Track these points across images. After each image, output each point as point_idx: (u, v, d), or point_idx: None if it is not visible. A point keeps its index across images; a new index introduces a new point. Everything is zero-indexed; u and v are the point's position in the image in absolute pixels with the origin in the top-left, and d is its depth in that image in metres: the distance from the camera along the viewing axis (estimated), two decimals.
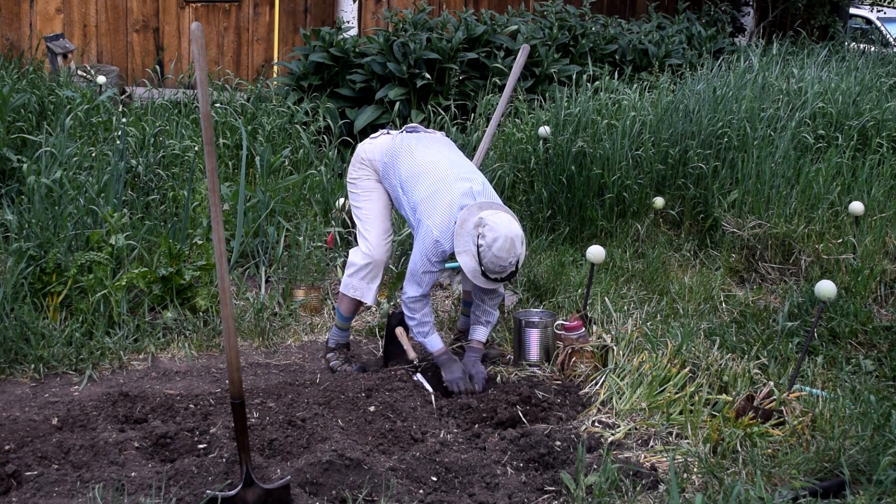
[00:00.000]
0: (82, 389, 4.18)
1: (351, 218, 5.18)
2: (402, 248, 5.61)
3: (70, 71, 8.37)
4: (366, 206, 4.46)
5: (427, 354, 4.40)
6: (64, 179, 5.42)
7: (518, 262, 4.03)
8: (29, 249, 4.72)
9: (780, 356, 4.39)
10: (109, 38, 9.61)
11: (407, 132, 4.46)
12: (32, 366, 4.30)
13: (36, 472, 3.34)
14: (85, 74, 8.36)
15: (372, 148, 4.45)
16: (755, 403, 3.83)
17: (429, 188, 4.17)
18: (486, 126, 6.10)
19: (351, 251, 4.52)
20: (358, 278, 4.49)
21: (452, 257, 4.22)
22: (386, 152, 4.38)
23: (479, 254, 3.98)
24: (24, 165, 5.64)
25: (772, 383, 3.96)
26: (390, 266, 5.47)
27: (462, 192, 4.12)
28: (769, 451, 3.56)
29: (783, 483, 3.34)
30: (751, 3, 11.45)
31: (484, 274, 4.01)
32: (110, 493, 3.20)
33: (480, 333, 4.39)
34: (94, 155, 6.06)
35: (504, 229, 3.97)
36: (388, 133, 4.52)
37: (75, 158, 5.85)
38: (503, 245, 3.96)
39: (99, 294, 4.64)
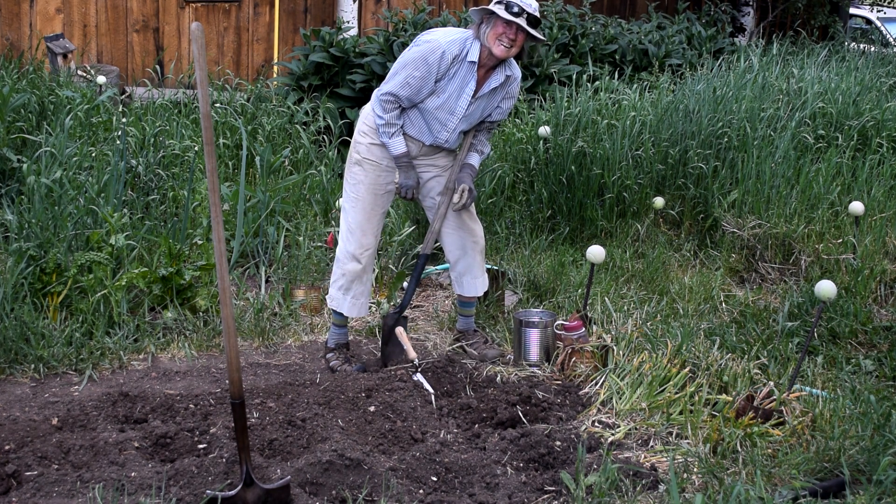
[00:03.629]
0: (82, 389, 4.18)
1: None
2: (402, 247, 5.61)
3: (70, 71, 8.38)
4: (352, 212, 4.44)
5: (426, 355, 4.40)
6: (64, 179, 5.42)
7: (535, 7, 4.20)
8: (29, 249, 4.72)
9: (780, 356, 4.39)
10: (109, 38, 9.61)
11: None
12: (32, 366, 4.30)
13: (36, 472, 3.34)
14: (85, 74, 8.37)
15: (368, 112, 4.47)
16: (755, 403, 3.83)
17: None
18: None
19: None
20: (335, 288, 4.50)
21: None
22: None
23: (497, 2, 4.21)
24: (24, 165, 5.64)
25: (772, 383, 3.96)
26: (390, 266, 5.47)
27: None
28: (769, 451, 3.56)
29: (783, 483, 3.34)
30: (751, 3, 11.45)
31: (507, 7, 4.17)
32: (110, 493, 3.20)
33: (474, 160, 4.52)
34: (94, 155, 6.06)
35: None
36: None
37: (75, 158, 5.85)
38: None
39: (99, 294, 4.63)
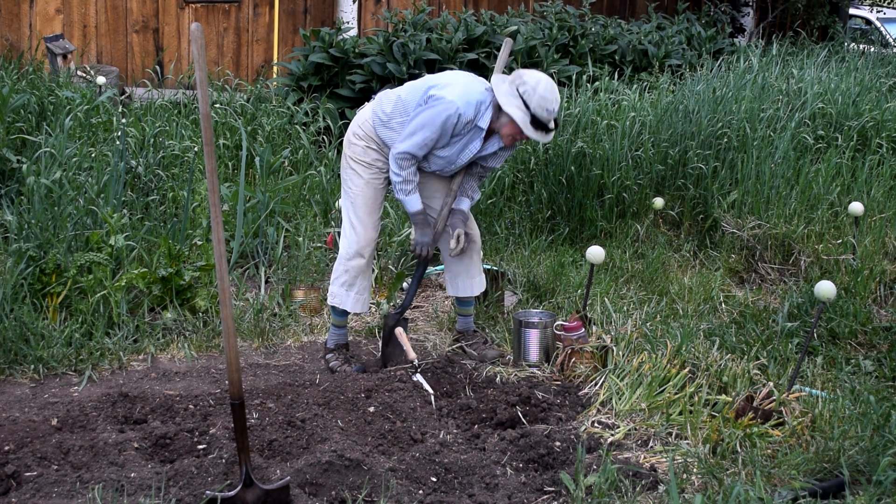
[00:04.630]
0: (82, 390, 4.18)
1: None
2: (402, 248, 5.61)
3: (70, 71, 8.38)
4: (352, 209, 4.45)
5: (425, 355, 4.40)
6: (64, 180, 5.42)
7: (558, 107, 4.24)
8: (29, 250, 4.72)
9: (780, 356, 4.39)
10: (109, 39, 9.61)
11: None
12: (32, 366, 4.30)
13: (35, 473, 3.34)
14: (85, 75, 8.37)
15: (364, 113, 4.47)
16: (755, 404, 3.83)
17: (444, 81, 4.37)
18: None
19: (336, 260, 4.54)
20: (337, 285, 4.50)
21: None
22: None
23: (524, 101, 4.18)
24: (24, 166, 5.64)
25: (771, 384, 3.96)
26: (390, 266, 5.47)
27: (479, 80, 4.41)
28: (769, 451, 3.56)
29: (783, 483, 3.34)
30: (750, 4, 11.46)
31: (533, 121, 4.18)
32: (110, 494, 3.20)
33: (465, 205, 4.55)
34: (93, 155, 6.07)
35: (540, 74, 4.25)
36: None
37: (75, 159, 5.85)
38: (546, 86, 4.20)
39: (98, 295, 4.63)
